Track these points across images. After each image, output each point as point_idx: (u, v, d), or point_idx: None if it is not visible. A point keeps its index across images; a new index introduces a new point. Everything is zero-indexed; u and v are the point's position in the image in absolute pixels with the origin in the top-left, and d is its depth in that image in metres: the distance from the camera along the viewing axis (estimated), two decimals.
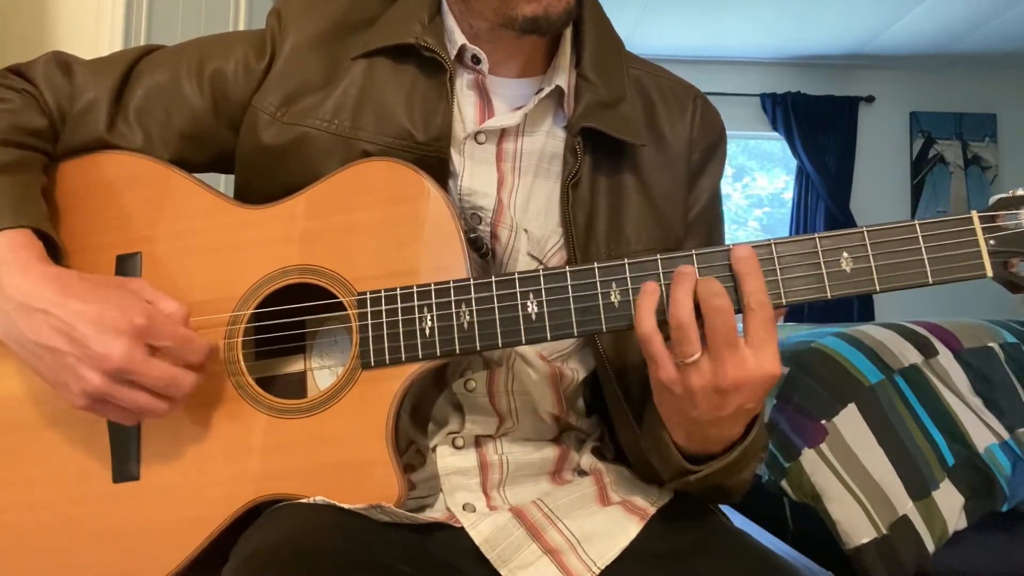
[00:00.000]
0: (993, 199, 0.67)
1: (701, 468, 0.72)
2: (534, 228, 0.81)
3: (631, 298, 0.69)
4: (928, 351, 1.65)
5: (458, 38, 0.82)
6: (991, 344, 1.69)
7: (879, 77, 5.27)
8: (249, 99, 0.83)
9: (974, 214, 0.66)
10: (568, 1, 0.78)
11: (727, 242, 0.74)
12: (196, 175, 0.83)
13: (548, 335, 0.70)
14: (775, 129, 5.23)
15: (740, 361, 0.64)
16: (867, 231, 0.67)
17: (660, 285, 0.68)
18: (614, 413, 0.82)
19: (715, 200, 0.91)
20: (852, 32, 4.78)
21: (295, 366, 0.81)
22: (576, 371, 0.83)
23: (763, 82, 5.25)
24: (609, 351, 0.80)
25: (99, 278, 0.73)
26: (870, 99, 5.26)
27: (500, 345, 0.71)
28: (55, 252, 0.74)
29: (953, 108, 5.25)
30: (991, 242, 0.65)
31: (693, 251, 0.68)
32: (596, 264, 0.70)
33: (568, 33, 0.87)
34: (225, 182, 1.53)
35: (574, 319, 0.70)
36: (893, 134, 5.26)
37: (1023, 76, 5.23)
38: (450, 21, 0.84)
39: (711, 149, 0.90)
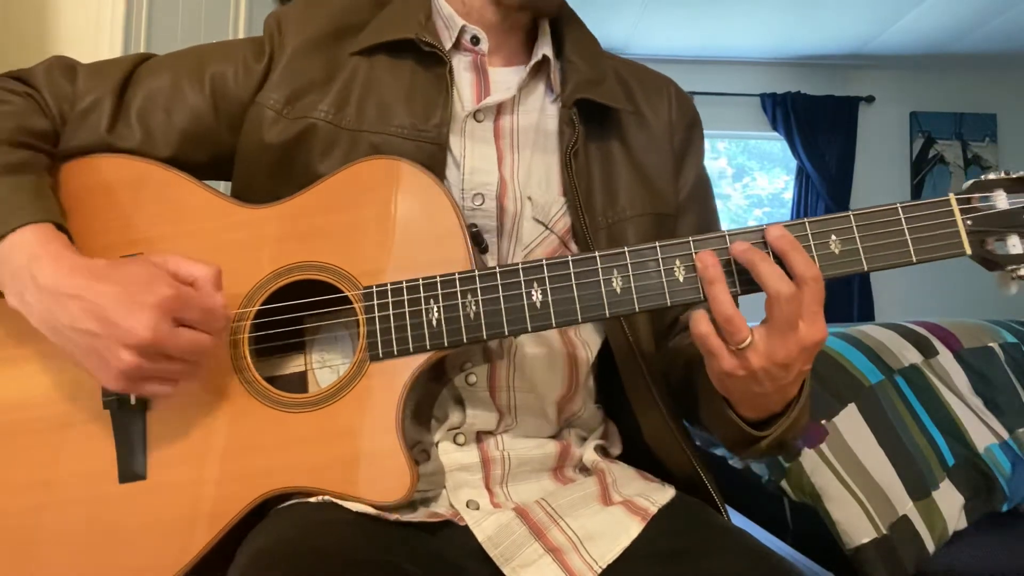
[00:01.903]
0: (967, 183, 0.72)
1: (769, 432, 0.75)
2: (537, 196, 0.84)
3: (632, 284, 0.72)
4: (928, 351, 1.65)
5: (458, 20, 0.87)
6: (991, 344, 1.69)
7: (879, 77, 5.27)
8: (251, 98, 0.85)
9: (951, 196, 0.71)
10: None
11: (721, 227, 0.79)
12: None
13: (553, 322, 0.73)
14: (775, 129, 5.23)
15: (797, 338, 0.67)
16: (853, 215, 0.71)
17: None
18: (635, 394, 0.84)
19: (703, 178, 0.96)
20: (852, 32, 4.78)
21: (296, 364, 0.82)
22: (588, 347, 0.86)
23: (763, 82, 5.25)
24: (632, 331, 0.83)
25: (125, 260, 0.73)
26: (870, 99, 5.26)
27: (507, 333, 0.73)
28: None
29: (953, 108, 5.25)
30: (968, 222, 0.70)
31: (726, 232, 0.72)
32: (597, 253, 0.72)
33: (547, 27, 0.92)
34: (225, 187, 1.53)
35: (578, 306, 0.72)
36: (893, 134, 5.26)
37: (1023, 76, 5.24)
38: (447, 8, 0.89)
39: (690, 129, 0.96)
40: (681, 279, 0.71)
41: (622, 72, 0.95)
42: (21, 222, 0.71)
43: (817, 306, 0.67)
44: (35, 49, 1.47)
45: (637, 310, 0.72)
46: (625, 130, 0.90)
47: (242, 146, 0.85)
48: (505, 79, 0.89)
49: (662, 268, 0.72)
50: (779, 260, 0.68)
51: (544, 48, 0.89)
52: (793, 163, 5.28)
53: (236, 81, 0.85)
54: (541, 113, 0.88)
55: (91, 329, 0.68)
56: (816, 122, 5.16)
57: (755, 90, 5.23)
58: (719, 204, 1.01)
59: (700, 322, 0.69)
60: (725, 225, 0.98)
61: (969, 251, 0.70)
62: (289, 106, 0.84)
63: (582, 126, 0.86)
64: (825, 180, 5.12)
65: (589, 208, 0.84)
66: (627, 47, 4.91)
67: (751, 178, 5.69)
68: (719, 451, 1.79)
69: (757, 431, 0.75)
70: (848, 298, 5.00)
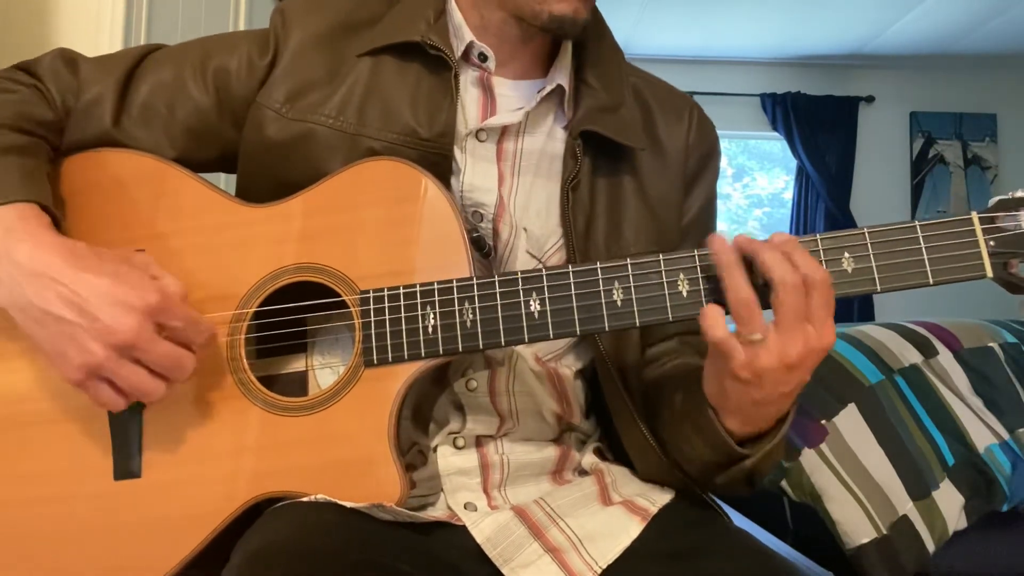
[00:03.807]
0: (992, 201, 0.68)
1: (754, 451, 0.71)
2: (534, 227, 0.82)
3: (633, 296, 0.70)
4: (928, 351, 1.65)
5: (466, 34, 0.84)
6: (991, 344, 1.69)
7: (879, 77, 5.27)
8: (253, 96, 0.84)
9: (974, 215, 0.67)
10: (590, 9, 0.80)
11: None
12: (200, 174, 0.83)
13: (551, 333, 0.70)
14: (775, 129, 5.23)
15: (806, 336, 0.64)
16: (868, 232, 0.68)
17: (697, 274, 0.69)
18: (616, 411, 0.82)
19: (710, 206, 0.92)
20: (852, 32, 4.78)
21: (297, 364, 0.82)
22: (572, 366, 0.84)
23: (763, 82, 5.25)
24: (609, 349, 0.81)
25: (109, 252, 0.72)
26: (870, 99, 5.26)
27: (503, 344, 0.71)
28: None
29: (953, 108, 5.25)
30: (991, 243, 0.66)
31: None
32: (599, 264, 0.70)
33: (568, 44, 0.88)
34: (226, 181, 1.53)
35: (576, 318, 0.70)
36: (893, 134, 5.26)
37: (1023, 76, 5.24)
38: (458, 17, 0.85)
39: (706, 158, 0.92)
40: (685, 293, 0.69)
41: (643, 91, 0.91)
42: (4, 200, 0.70)
43: (826, 311, 0.64)
44: (36, 44, 1.47)
45: (638, 324, 0.69)
46: (638, 160, 0.86)
47: (244, 145, 0.84)
48: (514, 95, 0.85)
49: (665, 280, 0.69)
50: None
51: (560, 75, 0.85)
52: (793, 163, 5.28)
53: (239, 77, 0.84)
54: (548, 137, 0.85)
55: (65, 316, 0.66)
56: (816, 122, 5.17)
57: (755, 90, 5.23)
58: (719, 204, 0.99)
59: (719, 327, 0.65)
60: (724, 225, 0.98)
61: (991, 274, 0.66)
62: (289, 104, 0.82)
63: (587, 157, 0.82)
64: (825, 180, 5.12)
65: (587, 243, 0.81)
66: (627, 47, 4.89)
67: (751, 178, 5.69)
68: None
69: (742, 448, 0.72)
70: (848, 298, 5.00)
